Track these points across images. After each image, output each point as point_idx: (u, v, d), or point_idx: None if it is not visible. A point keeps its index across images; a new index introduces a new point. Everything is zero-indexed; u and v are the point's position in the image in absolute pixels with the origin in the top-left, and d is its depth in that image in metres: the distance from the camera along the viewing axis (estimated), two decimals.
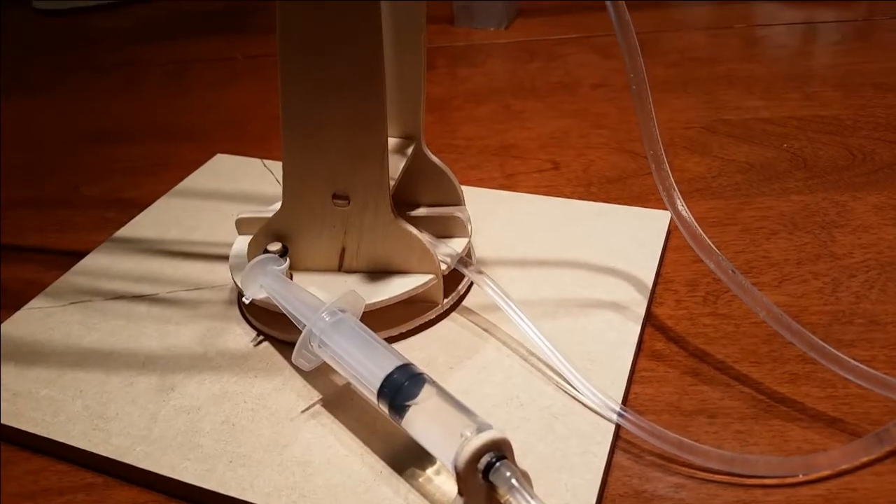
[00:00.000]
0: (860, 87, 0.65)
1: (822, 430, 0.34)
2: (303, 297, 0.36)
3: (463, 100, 0.69)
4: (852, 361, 0.33)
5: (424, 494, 0.31)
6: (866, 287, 0.42)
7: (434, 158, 0.43)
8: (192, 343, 0.40)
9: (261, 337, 0.40)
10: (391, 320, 0.39)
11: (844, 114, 0.61)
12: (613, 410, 0.33)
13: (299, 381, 0.37)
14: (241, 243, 0.42)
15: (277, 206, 0.39)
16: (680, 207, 0.35)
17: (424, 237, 0.40)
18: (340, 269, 0.40)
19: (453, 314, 0.41)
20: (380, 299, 0.38)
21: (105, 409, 0.37)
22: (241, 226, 0.43)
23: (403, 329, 0.39)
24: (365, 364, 0.32)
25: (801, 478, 0.32)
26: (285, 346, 0.39)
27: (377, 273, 0.40)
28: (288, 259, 0.40)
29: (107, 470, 0.35)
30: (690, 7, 0.87)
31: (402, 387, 0.31)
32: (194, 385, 0.37)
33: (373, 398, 0.32)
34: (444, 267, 0.40)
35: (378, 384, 0.31)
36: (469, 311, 0.41)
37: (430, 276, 0.39)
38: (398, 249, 0.39)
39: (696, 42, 0.77)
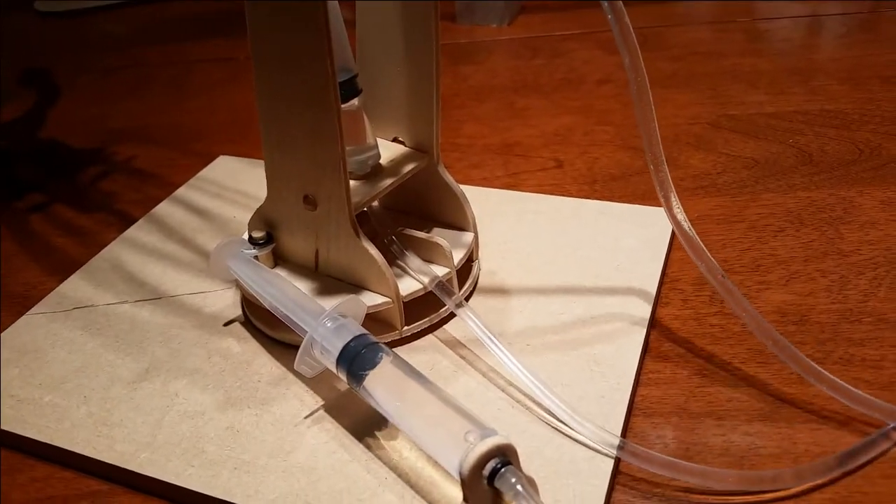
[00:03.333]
0: (867, 80, 0.64)
1: (831, 431, 0.34)
2: (299, 300, 0.36)
3: (465, 98, 0.69)
4: (838, 381, 0.34)
5: (429, 501, 0.31)
6: (874, 285, 0.42)
7: (448, 179, 0.42)
8: (195, 348, 0.40)
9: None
10: None
11: (850, 108, 0.60)
12: (612, 445, 0.32)
13: (302, 386, 0.37)
14: None
15: None
16: (679, 216, 0.35)
17: (411, 258, 0.40)
18: (317, 269, 0.40)
19: (458, 321, 0.40)
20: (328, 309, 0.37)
21: (109, 415, 0.37)
22: None
23: None
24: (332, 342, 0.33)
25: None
26: (287, 350, 0.39)
27: (346, 283, 0.40)
28: (270, 247, 0.40)
29: (112, 477, 0.35)
30: (695, 1, 0.87)
31: (358, 355, 0.32)
32: (198, 390, 0.37)
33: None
34: (408, 293, 0.39)
35: (336, 353, 0.33)
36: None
37: (386, 299, 0.38)
38: (358, 265, 0.38)
39: (700, 37, 0.76)
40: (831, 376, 0.34)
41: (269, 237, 0.40)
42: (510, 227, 0.48)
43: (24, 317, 0.44)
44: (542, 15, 0.86)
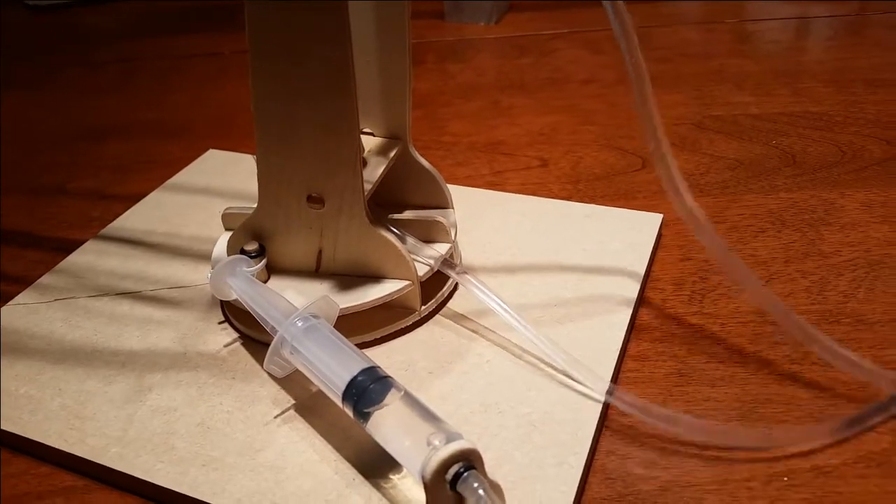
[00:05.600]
0: (851, 83, 0.64)
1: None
2: (275, 302, 0.36)
3: (451, 96, 0.69)
4: (839, 349, 0.34)
5: (394, 503, 0.31)
6: (854, 286, 0.42)
7: (421, 160, 0.42)
8: (172, 343, 0.40)
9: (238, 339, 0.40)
10: (368, 325, 0.38)
11: (835, 110, 0.60)
12: (603, 387, 0.33)
13: (275, 386, 0.37)
14: (225, 239, 0.42)
15: None
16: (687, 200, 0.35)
17: (409, 240, 0.40)
18: (318, 270, 0.40)
19: (437, 317, 0.40)
20: (353, 304, 0.37)
21: (83, 408, 0.36)
22: (227, 220, 0.42)
23: (378, 335, 0.39)
24: (332, 367, 0.32)
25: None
26: (264, 348, 0.39)
27: (354, 276, 0.39)
28: (264, 260, 0.39)
29: (84, 471, 0.34)
30: (682, 2, 0.87)
31: (367, 390, 0.30)
32: (172, 386, 0.37)
33: (338, 401, 0.31)
34: (423, 271, 0.39)
35: (343, 386, 0.31)
36: (453, 315, 0.41)
37: (407, 282, 0.38)
38: (374, 254, 0.38)
39: (687, 37, 0.76)
40: (832, 343, 0.34)
41: (261, 249, 0.39)
42: (495, 229, 0.47)
43: (4, 307, 0.44)
44: (529, 14, 0.86)
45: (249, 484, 0.32)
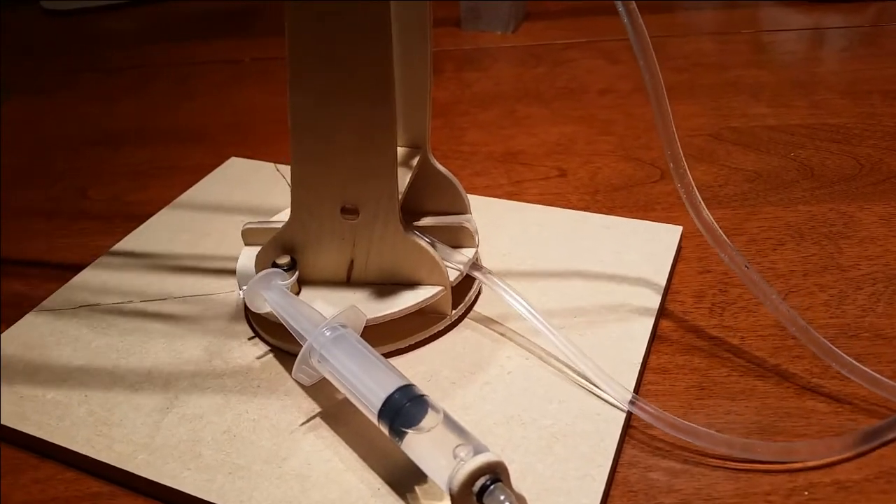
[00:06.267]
0: (868, 94, 0.64)
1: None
2: (305, 312, 0.36)
3: (469, 105, 0.69)
4: (858, 364, 0.34)
5: None
6: (873, 300, 0.42)
7: (440, 167, 0.43)
8: (197, 351, 0.40)
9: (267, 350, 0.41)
10: (399, 332, 0.39)
11: (852, 122, 0.60)
12: (626, 398, 0.34)
13: (301, 394, 0.37)
14: (247, 254, 0.42)
15: (284, 215, 0.39)
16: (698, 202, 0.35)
17: (440, 246, 0.41)
18: (349, 281, 0.40)
19: (460, 326, 0.41)
20: (387, 312, 0.38)
21: (110, 414, 0.37)
22: (247, 236, 0.43)
23: (411, 342, 0.39)
24: (365, 382, 0.32)
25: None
26: (289, 358, 0.39)
27: (385, 285, 0.40)
28: (296, 272, 0.39)
29: (110, 477, 0.35)
30: (697, 12, 0.87)
31: (402, 408, 0.31)
32: (198, 394, 0.37)
33: (373, 417, 0.32)
34: (454, 276, 0.40)
35: (379, 404, 0.31)
36: (477, 322, 0.41)
37: (439, 288, 0.39)
38: (407, 261, 0.39)
39: (703, 48, 0.77)
40: (851, 360, 0.35)
41: (293, 262, 0.40)
42: (514, 239, 0.47)
43: (30, 313, 0.44)
44: (546, 22, 0.87)
45: (276, 492, 0.32)
